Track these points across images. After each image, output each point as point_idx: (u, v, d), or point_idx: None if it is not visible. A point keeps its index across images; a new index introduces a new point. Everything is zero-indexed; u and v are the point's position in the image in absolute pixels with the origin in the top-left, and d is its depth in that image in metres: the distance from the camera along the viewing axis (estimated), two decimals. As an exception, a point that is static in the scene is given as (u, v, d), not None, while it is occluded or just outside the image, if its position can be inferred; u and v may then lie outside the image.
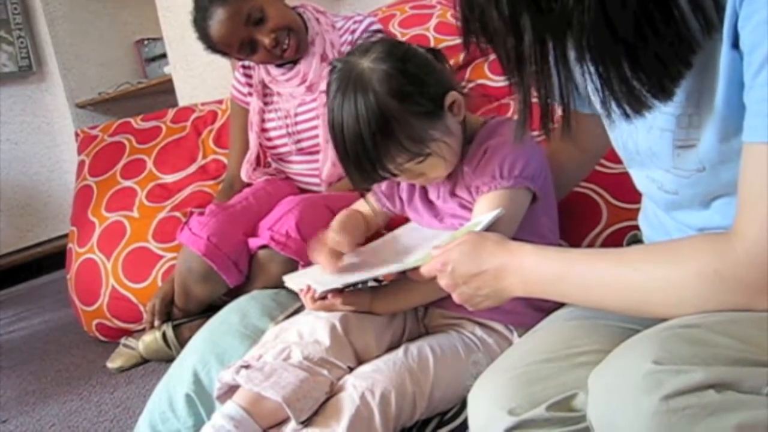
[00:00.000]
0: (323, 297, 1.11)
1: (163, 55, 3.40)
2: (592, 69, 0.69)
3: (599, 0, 0.64)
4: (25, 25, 3.63)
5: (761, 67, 0.61)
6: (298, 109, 1.79)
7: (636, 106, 0.70)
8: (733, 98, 0.67)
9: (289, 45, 1.68)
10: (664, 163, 0.80)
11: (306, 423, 0.99)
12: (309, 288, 1.12)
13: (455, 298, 0.92)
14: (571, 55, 0.69)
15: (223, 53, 1.73)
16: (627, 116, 0.71)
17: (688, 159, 0.76)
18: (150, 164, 2.29)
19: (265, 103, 1.85)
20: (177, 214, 2.09)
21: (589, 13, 0.64)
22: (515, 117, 0.79)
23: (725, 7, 0.65)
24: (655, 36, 0.65)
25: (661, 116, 0.76)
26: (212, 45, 1.70)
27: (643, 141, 0.81)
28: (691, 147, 0.75)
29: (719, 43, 0.66)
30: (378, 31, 1.76)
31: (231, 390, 1.06)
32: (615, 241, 1.35)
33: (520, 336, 1.10)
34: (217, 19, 1.63)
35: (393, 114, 1.01)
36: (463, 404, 0.91)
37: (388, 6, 2.21)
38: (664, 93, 0.69)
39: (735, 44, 0.65)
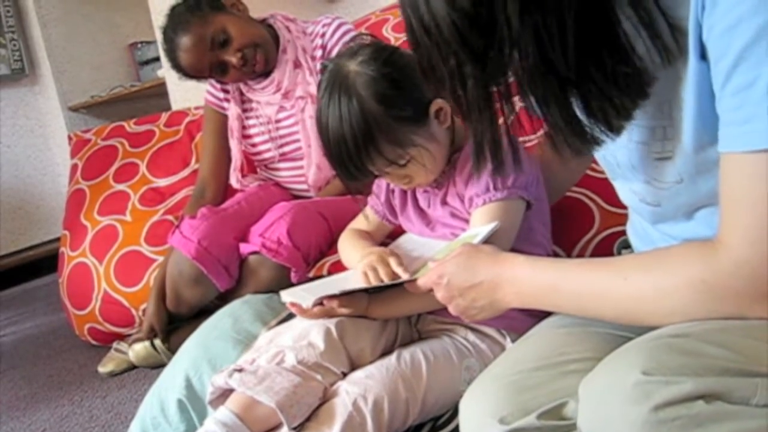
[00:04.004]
0: (320, 304, 1.11)
1: (157, 59, 3.40)
2: (537, 111, 0.69)
3: (536, 43, 0.64)
4: (18, 27, 3.63)
5: (728, 76, 0.61)
6: (279, 115, 1.79)
7: (585, 143, 0.70)
8: (704, 109, 0.67)
9: (257, 60, 1.70)
10: (644, 175, 0.80)
11: (298, 429, 0.99)
12: (295, 304, 1.12)
13: (451, 309, 0.92)
14: (516, 99, 0.70)
15: (197, 78, 1.76)
16: (578, 152, 0.72)
17: (666, 171, 0.76)
18: (143, 168, 2.29)
19: (244, 110, 1.85)
20: (170, 217, 2.09)
21: (527, 58, 0.65)
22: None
23: (686, 26, 0.65)
24: (600, 72, 0.65)
25: (637, 129, 0.76)
26: (185, 73, 1.74)
27: (622, 154, 0.81)
28: (668, 159, 0.75)
29: (687, 56, 0.66)
30: (348, 31, 1.77)
31: (223, 395, 1.05)
32: (607, 245, 1.35)
33: (513, 341, 1.10)
34: (184, 48, 1.67)
35: (375, 117, 1.03)
36: (455, 409, 0.91)
37: (381, 10, 2.21)
38: (612, 129, 0.70)
39: (703, 56, 0.65)
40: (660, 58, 0.67)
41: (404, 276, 1.05)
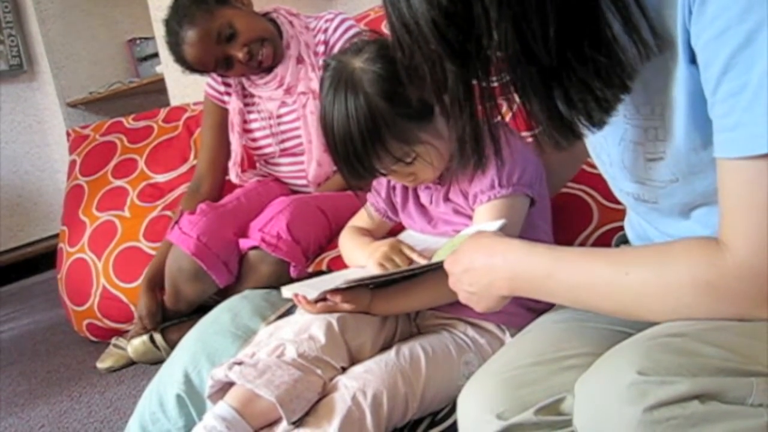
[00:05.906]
0: (323, 299, 1.11)
1: (155, 55, 3.39)
2: (518, 103, 0.70)
3: (516, 33, 0.64)
4: (16, 23, 3.62)
5: (718, 83, 0.61)
6: (281, 110, 1.79)
7: (564, 136, 0.71)
8: (697, 112, 0.67)
9: (264, 55, 1.69)
10: (635, 176, 0.79)
11: (297, 423, 0.99)
12: (298, 295, 1.12)
13: (460, 297, 0.90)
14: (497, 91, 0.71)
15: (201, 72, 1.75)
16: (557, 145, 0.72)
17: (659, 171, 0.76)
18: (141, 164, 2.28)
19: (245, 104, 1.84)
20: (168, 213, 2.08)
21: (507, 49, 0.65)
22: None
23: (671, 24, 0.65)
24: (581, 63, 0.65)
25: (631, 129, 0.76)
26: (189, 67, 1.72)
27: (615, 153, 0.81)
28: (660, 159, 0.74)
29: (677, 58, 0.67)
30: (351, 27, 1.77)
31: (222, 389, 1.05)
32: (606, 241, 1.34)
33: (512, 336, 1.10)
34: (189, 41, 1.65)
35: (382, 115, 1.02)
36: (454, 404, 0.91)
37: (380, 6, 2.21)
38: (593, 122, 0.69)
39: (692, 60, 0.65)
40: (638, 52, 0.67)
41: (422, 262, 1.05)
